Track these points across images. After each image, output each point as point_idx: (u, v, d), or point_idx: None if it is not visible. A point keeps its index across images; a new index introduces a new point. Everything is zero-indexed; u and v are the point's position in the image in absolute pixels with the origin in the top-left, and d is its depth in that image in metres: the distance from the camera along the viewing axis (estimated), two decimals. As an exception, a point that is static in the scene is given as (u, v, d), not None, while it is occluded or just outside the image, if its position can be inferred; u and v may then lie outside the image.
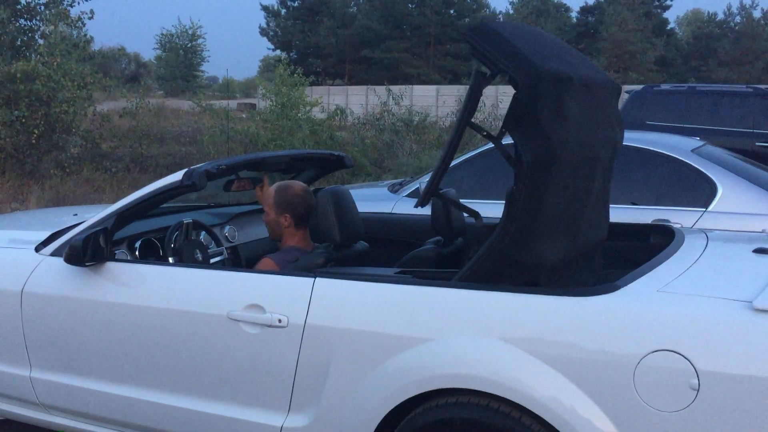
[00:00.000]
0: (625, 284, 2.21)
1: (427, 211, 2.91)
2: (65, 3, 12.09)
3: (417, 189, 5.00)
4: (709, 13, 57.86)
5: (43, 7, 12.20)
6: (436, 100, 30.94)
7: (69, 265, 2.91)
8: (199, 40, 56.77)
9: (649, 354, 2.02)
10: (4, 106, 10.27)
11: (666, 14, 53.52)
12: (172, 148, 14.45)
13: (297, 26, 52.20)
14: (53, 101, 10.46)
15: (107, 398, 2.89)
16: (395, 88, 17.23)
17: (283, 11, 54.16)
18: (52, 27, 11.62)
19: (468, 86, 2.28)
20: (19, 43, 11.96)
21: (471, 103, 2.26)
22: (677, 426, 1.98)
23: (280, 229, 3.16)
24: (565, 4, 56.16)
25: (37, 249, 3.15)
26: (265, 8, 53.99)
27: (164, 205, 3.36)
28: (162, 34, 55.99)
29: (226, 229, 3.90)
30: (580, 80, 2.34)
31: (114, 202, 3.32)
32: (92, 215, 3.11)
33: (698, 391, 1.96)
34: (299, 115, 12.94)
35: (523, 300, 2.22)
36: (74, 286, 2.91)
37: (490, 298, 2.26)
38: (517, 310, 2.21)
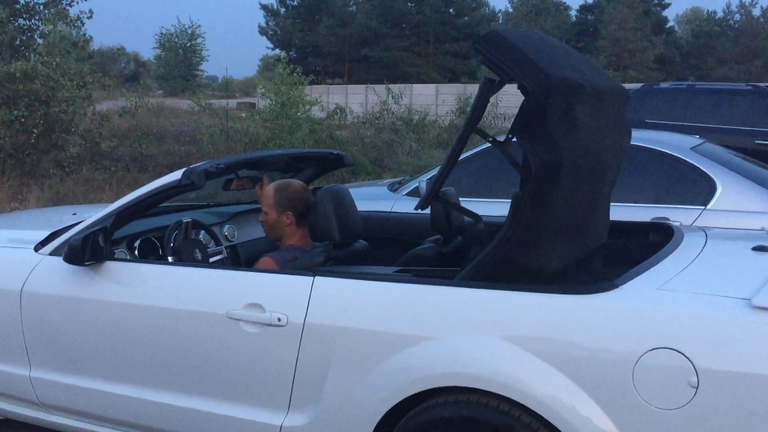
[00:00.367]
0: (624, 282, 2.21)
1: (426, 210, 2.91)
2: (64, 2, 12.08)
3: (416, 188, 5.00)
4: (708, 11, 57.89)
5: (42, 7, 12.19)
6: (435, 99, 30.92)
7: (68, 265, 2.91)
8: (199, 40, 56.79)
9: (648, 352, 2.02)
10: (3, 105, 10.26)
11: (665, 12, 53.53)
12: (172, 147, 14.46)
13: (296, 25, 52.21)
14: (52, 101, 10.45)
15: (107, 397, 2.89)
16: (395, 87, 17.24)
17: (283, 10, 54.18)
18: (51, 26, 11.61)
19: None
20: (18, 42, 11.96)
21: (478, 110, 2.28)
22: (676, 423, 1.98)
23: (281, 228, 3.15)
24: (564, 3, 56.17)
25: (37, 248, 3.15)
26: (264, 7, 54.02)
27: (163, 204, 3.36)
28: (161, 34, 56.01)
29: (226, 228, 3.90)
30: (591, 88, 2.35)
31: (113, 201, 3.32)
32: (91, 215, 3.11)
33: (697, 388, 1.96)
34: (299, 114, 12.92)
35: (523, 298, 2.22)
36: (73, 286, 2.92)
37: (490, 296, 2.26)
38: (517, 309, 2.21)
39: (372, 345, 2.36)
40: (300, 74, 13.67)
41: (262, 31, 54.84)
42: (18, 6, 12.13)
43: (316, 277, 2.53)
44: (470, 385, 2.20)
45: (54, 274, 2.98)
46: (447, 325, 2.27)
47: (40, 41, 12.01)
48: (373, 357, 2.36)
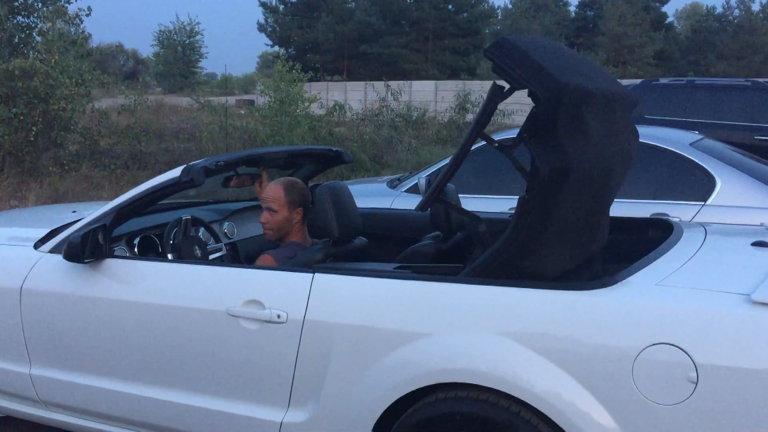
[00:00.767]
0: (624, 278, 2.22)
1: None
2: (62, 0, 12.06)
3: (416, 184, 5.00)
4: (707, 6, 57.94)
5: (40, 4, 12.15)
6: (434, 95, 30.93)
7: (68, 262, 2.91)
8: (198, 37, 56.82)
9: (647, 347, 2.02)
10: (2, 103, 10.25)
11: (664, 8, 53.51)
12: (171, 144, 14.46)
13: (295, 22, 52.13)
14: (51, 98, 10.43)
15: (107, 395, 2.89)
16: (394, 84, 17.21)
17: (281, 7, 54.09)
18: (49, 24, 11.58)
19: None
20: (16, 40, 11.92)
21: (485, 115, 2.29)
22: (676, 419, 1.99)
23: (290, 225, 3.15)
24: (563, -1, 56.11)
25: (36, 246, 3.15)
26: (263, 4, 53.92)
27: (163, 201, 3.36)
28: (160, 31, 56.07)
29: (225, 225, 3.90)
30: (600, 95, 2.36)
31: (113, 198, 3.32)
32: (91, 212, 3.11)
33: (696, 384, 1.96)
34: (298, 111, 12.91)
35: (522, 295, 2.22)
36: (73, 283, 2.92)
37: (489, 292, 2.26)
38: (516, 305, 2.21)
39: (372, 341, 2.37)
40: (299, 71, 13.66)
41: (261, 28, 54.80)
42: (16, 3, 12.10)
43: (316, 274, 2.53)
44: (470, 382, 2.20)
45: (54, 272, 2.98)
46: (447, 322, 2.27)
47: (38, 39, 11.97)
48: (374, 353, 2.36)
